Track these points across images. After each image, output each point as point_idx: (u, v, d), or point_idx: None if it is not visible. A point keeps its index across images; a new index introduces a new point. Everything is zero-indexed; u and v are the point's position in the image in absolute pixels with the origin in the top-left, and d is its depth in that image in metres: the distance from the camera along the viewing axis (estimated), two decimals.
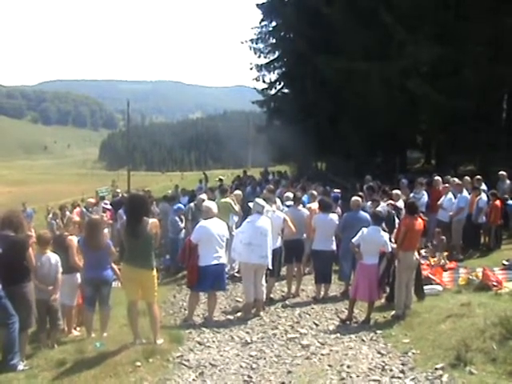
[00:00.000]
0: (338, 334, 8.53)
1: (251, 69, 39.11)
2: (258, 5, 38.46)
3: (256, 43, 38.87)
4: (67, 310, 9.07)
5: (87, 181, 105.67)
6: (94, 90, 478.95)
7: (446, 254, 13.36)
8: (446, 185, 15.66)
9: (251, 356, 7.54)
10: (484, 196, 14.78)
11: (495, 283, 10.43)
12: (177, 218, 14.67)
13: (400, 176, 22.15)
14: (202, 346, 7.98)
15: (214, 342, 8.24)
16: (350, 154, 32.29)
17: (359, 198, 11.62)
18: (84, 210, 18.33)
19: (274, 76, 39.89)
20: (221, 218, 9.88)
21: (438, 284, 11.07)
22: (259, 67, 38.95)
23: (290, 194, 12.72)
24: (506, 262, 12.42)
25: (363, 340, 8.22)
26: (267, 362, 7.32)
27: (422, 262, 11.18)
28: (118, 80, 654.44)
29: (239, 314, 9.95)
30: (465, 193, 14.78)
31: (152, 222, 7.56)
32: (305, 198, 13.98)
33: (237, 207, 13.47)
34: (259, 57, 39.11)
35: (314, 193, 13.70)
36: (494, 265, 12.34)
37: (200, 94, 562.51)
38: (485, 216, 14.71)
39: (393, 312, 9.32)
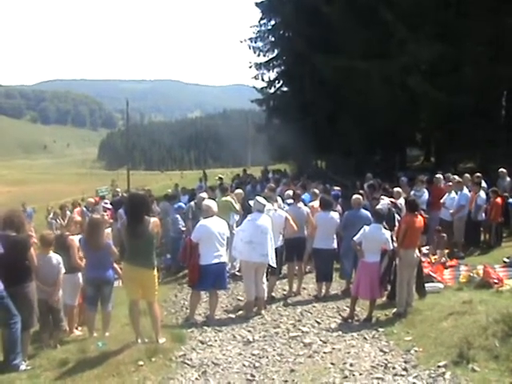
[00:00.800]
0: (340, 332, 8.54)
1: (250, 67, 39.17)
2: (257, 3, 38.47)
3: (255, 42, 38.91)
4: (69, 309, 9.07)
5: (87, 180, 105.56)
6: (93, 90, 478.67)
7: (446, 251, 13.37)
8: (449, 183, 15.64)
9: (254, 355, 7.53)
10: (483, 193, 14.78)
11: (496, 280, 10.45)
12: (178, 217, 14.67)
13: (400, 174, 22.16)
14: (205, 345, 7.98)
15: (216, 340, 8.24)
16: (350, 152, 32.30)
17: (360, 196, 11.61)
18: (84, 209, 18.32)
19: (273, 74, 39.98)
20: (221, 217, 9.87)
21: (439, 282, 11.07)
22: (258, 66, 38.97)
23: (290, 192, 12.72)
24: (506, 260, 12.45)
25: (365, 338, 8.22)
26: (270, 360, 7.32)
27: (423, 259, 11.18)
28: (117, 79, 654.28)
29: (241, 312, 9.97)
30: (465, 190, 14.77)
31: (153, 221, 7.56)
32: (306, 196, 14.00)
33: (237, 206, 13.48)
34: (258, 55, 39.17)
35: (316, 191, 13.71)
36: (494, 262, 12.35)
37: (199, 92, 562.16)
38: (485, 213, 14.72)
39: (394, 310, 9.33)
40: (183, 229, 14.43)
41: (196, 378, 6.73)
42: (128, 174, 57.42)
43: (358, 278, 9.52)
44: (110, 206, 19.26)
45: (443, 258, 12.88)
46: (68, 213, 18.64)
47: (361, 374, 6.69)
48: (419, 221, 9.43)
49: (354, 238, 9.39)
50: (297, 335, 8.45)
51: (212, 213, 9.42)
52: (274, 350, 7.78)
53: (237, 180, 27.90)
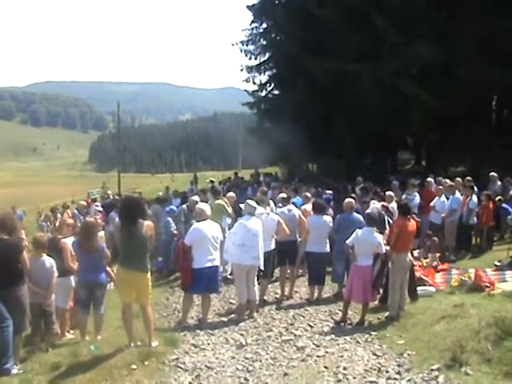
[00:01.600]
0: (333, 336, 8.54)
1: (242, 70, 39.12)
2: (248, 6, 38.42)
3: (246, 45, 38.82)
4: (61, 312, 9.04)
5: (77, 182, 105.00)
6: (83, 92, 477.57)
7: (438, 255, 13.40)
8: (440, 187, 15.69)
9: (247, 358, 7.53)
10: (475, 197, 14.82)
11: (488, 284, 10.46)
12: (170, 220, 14.64)
13: (391, 177, 22.19)
14: (198, 349, 7.97)
15: (209, 344, 8.24)
16: (341, 155, 32.33)
17: (352, 200, 11.63)
18: (76, 211, 18.27)
19: (264, 78, 39.92)
20: (214, 220, 9.88)
21: (430, 285, 11.10)
22: (250, 69, 38.93)
23: (284, 195, 12.68)
24: (497, 263, 12.48)
25: (358, 342, 8.23)
26: (263, 364, 7.32)
27: (415, 263, 11.19)
28: (107, 81, 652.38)
29: (233, 315, 9.95)
30: (457, 194, 14.80)
31: (147, 224, 7.54)
32: (297, 199, 13.99)
33: (230, 209, 13.47)
34: (250, 58, 39.09)
35: (308, 194, 13.71)
36: (486, 266, 12.37)
37: (190, 95, 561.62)
38: (476, 217, 14.77)
39: (387, 313, 9.35)
40: (175, 232, 14.40)
41: (189, 382, 6.73)
42: (119, 177, 57.38)
43: (350, 281, 9.52)
44: (101, 209, 19.21)
45: (435, 262, 12.90)
46: (59, 215, 18.58)
47: (354, 378, 6.70)
48: (412, 224, 9.46)
49: (347, 242, 9.39)
50: (290, 339, 8.45)
51: (205, 216, 9.41)
52: (267, 353, 7.78)
53: (228, 183, 27.89)
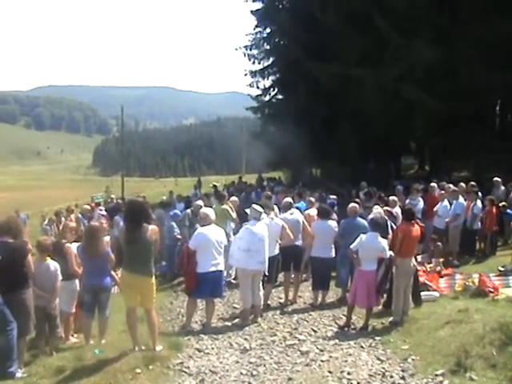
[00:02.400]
0: (337, 341, 8.53)
1: (245, 75, 39.23)
2: (252, 11, 38.53)
3: (250, 49, 38.92)
4: (65, 316, 9.04)
5: (81, 186, 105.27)
6: (87, 96, 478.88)
7: (441, 260, 13.38)
8: (442, 191, 15.69)
9: (251, 363, 7.52)
10: (479, 202, 14.81)
11: (492, 289, 10.46)
12: (173, 224, 14.65)
13: (395, 182, 22.18)
14: (202, 353, 7.97)
15: (213, 348, 8.23)
16: (345, 160, 32.33)
17: (356, 205, 11.61)
18: (80, 216, 18.27)
19: (268, 82, 40.02)
20: (218, 225, 9.87)
21: (434, 290, 11.09)
22: (253, 73, 39.02)
23: (288, 200, 12.62)
24: (501, 268, 12.45)
25: (362, 346, 8.22)
26: (267, 368, 7.31)
27: (419, 268, 11.18)
28: (111, 86, 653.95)
29: (237, 320, 9.94)
30: (461, 199, 14.80)
31: (152, 228, 7.54)
32: (302, 204, 13.97)
33: (234, 214, 13.48)
34: (253, 63, 39.19)
35: (312, 199, 13.72)
36: (489, 271, 12.34)
37: (193, 99, 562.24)
38: (480, 222, 14.75)
39: (391, 318, 9.33)
40: (178, 236, 14.40)
41: None
42: (122, 181, 57.39)
43: (354, 286, 9.50)
44: (104, 213, 19.21)
45: (438, 267, 12.88)
46: (63, 219, 18.57)
47: (358, 383, 6.70)
48: (416, 229, 9.46)
49: (351, 247, 9.39)
50: (293, 343, 8.45)
51: (210, 221, 9.42)
52: (271, 358, 7.77)
53: (232, 188, 27.90)
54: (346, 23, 25.36)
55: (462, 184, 16.08)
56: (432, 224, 14.87)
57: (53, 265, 8.24)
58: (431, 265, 13.00)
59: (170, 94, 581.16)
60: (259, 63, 39.19)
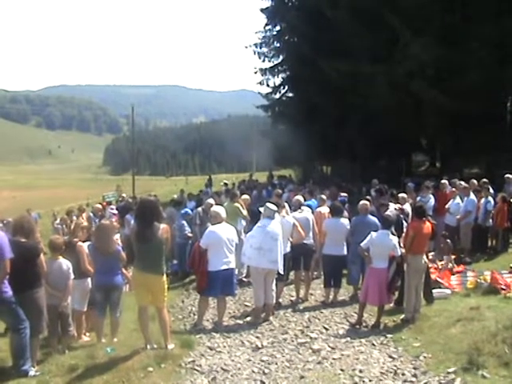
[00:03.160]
0: (349, 339, 8.52)
1: (255, 73, 39.25)
2: (262, 9, 38.55)
3: (260, 47, 38.99)
4: (77, 315, 9.06)
5: (92, 185, 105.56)
6: (97, 95, 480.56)
7: (453, 257, 13.33)
8: (453, 189, 15.64)
9: (263, 361, 7.52)
10: (491, 199, 14.74)
11: (504, 286, 10.42)
12: (184, 223, 14.67)
13: (406, 180, 22.13)
14: (213, 351, 7.98)
15: (224, 346, 8.24)
16: (356, 158, 32.27)
17: (367, 202, 11.57)
18: (91, 215, 18.34)
19: (278, 80, 40.05)
20: (229, 223, 9.88)
21: (446, 287, 11.05)
22: (263, 71, 39.05)
23: (299, 198, 12.59)
24: None
25: (374, 344, 8.20)
26: (279, 366, 7.30)
27: (430, 265, 11.16)
28: (121, 85, 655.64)
29: (248, 318, 9.95)
30: (472, 196, 14.74)
31: (163, 227, 7.54)
32: (312, 202, 13.95)
33: (244, 212, 13.48)
34: (263, 61, 39.26)
35: (323, 197, 13.70)
36: (501, 268, 12.30)
37: (203, 98, 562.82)
38: (491, 219, 14.69)
39: (402, 316, 9.32)
40: (189, 235, 14.42)
41: None
42: (133, 180, 57.57)
43: (366, 284, 9.50)
44: (116, 212, 19.27)
45: (450, 264, 12.84)
46: (74, 218, 18.65)
47: (370, 381, 6.68)
48: (427, 227, 9.43)
49: (362, 244, 9.38)
50: (305, 341, 8.44)
51: (221, 219, 9.42)
52: (283, 356, 7.76)
53: (242, 186, 27.91)
54: (355, 20, 25.28)
55: (474, 181, 16.02)
56: (443, 221, 14.84)
57: (65, 263, 8.26)
58: (442, 262, 12.96)
59: (179, 93, 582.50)
60: (269, 61, 39.29)
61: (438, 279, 11.32)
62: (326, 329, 9.19)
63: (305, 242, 11.14)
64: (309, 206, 12.59)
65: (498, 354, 6.65)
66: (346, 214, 12.55)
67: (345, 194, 16.26)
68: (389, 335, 8.57)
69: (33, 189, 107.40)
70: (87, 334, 9.53)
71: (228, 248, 9.23)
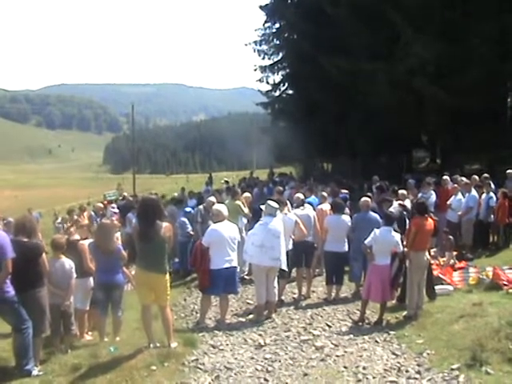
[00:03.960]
0: (352, 336, 8.52)
1: (255, 70, 39.23)
2: (261, 6, 38.48)
3: (260, 45, 38.92)
4: (80, 314, 9.07)
5: (92, 184, 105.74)
6: (97, 94, 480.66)
7: (455, 253, 13.32)
8: (455, 185, 15.62)
9: (266, 359, 7.50)
10: (492, 195, 14.73)
11: (506, 282, 10.40)
12: (185, 221, 14.66)
13: (407, 176, 22.10)
14: (216, 350, 7.97)
15: (227, 345, 8.23)
16: (356, 155, 32.24)
17: (369, 199, 11.57)
18: (92, 213, 18.33)
19: (277, 77, 40.04)
20: (231, 221, 9.86)
21: (448, 284, 11.04)
22: (263, 69, 39.02)
23: (300, 195, 12.59)
24: None
25: (377, 341, 8.19)
26: (282, 364, 7.30)
27: (432, 261, 11.14)
28: (121, 83, 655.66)
29: (251, 316, 9.94)
30: (473, 192, 14.73)
31: (165, 225, 7.53)
32: (313, 199, 13.93)
33: (246, 209, 13.48)
34: (263, 58, 39.21)
35: (324, 194, 13.68)
36: (503, 264, 12.25)
37: (203, 96, 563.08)
38: (492, 214, 14.68)
39: (405, 312, 9.31)
40: (191, 233, 14.41)
41: (209, 383, 6.72)
42: (134, 178, 57.57)
43: (368, 280, 9.48)
44: (117, 211, 19.27)
45: (452, 260, 12.83)
46: (75, 217, 18.67)
47: (374, 378, 6.67)
48: (429, 223, 9.41)
49: (365, 242, 9.36)
50: (308, 339, 8.43)
51: (222, 217, 9.40)
52: (286, 353, 7.75)
53: (243, 183, 27.89)
54: (355, 17, 25.24)
55: (476, 176, 15.99)
56: (445, 217, 14.82)
57: (67, 262, 8.27)
58: (444, 258, 12.95)
59: (179, 91, 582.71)
60: (269, 58, 39.24)
61: (440, 275, 11.31)
62: (329, 326, 9.18)
63: (305, 239, 11.13)
64: (310, 203, 12.58)
65: (502, 350, 6.65)
66: (347, 210, 12.56)
67: (346, 191, 16.25)
68: (392, 332, 8.56)
69: (33, 188, 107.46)
70: (90, 333, 9.55)
71: (230, 246, 9.21)
